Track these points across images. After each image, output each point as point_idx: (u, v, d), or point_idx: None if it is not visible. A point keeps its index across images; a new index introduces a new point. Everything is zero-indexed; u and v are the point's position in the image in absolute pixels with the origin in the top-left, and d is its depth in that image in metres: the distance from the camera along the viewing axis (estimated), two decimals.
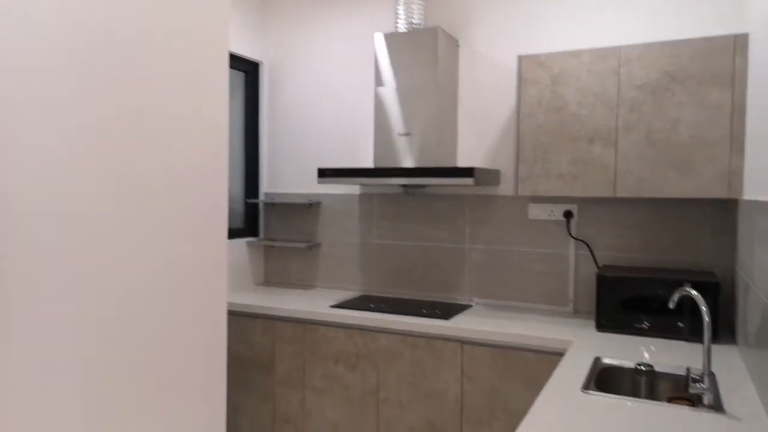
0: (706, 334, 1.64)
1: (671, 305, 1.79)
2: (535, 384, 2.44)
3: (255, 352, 3.05)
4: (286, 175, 3.61)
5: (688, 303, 2.34)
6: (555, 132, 2.58)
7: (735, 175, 2.29)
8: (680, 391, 1.94)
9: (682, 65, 2.37)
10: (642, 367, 1.91)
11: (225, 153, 2.00)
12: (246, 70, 3.55)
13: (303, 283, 3.57)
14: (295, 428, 2.95)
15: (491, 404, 2.52)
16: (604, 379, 2.01)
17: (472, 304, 3.08)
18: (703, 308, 1.66)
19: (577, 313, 2.88)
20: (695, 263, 2.66)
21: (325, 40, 3.48)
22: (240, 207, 3.60)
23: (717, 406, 1.60)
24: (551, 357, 2.41)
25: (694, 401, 1.87)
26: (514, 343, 2.47)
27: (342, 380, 2.83)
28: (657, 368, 1.97)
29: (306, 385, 2.92)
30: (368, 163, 3.35)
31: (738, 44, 2.28)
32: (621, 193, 2.47)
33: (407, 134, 2.93)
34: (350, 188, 3.42)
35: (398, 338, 2.71)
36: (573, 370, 1.96)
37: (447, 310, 2.86)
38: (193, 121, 1.79)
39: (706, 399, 1.61)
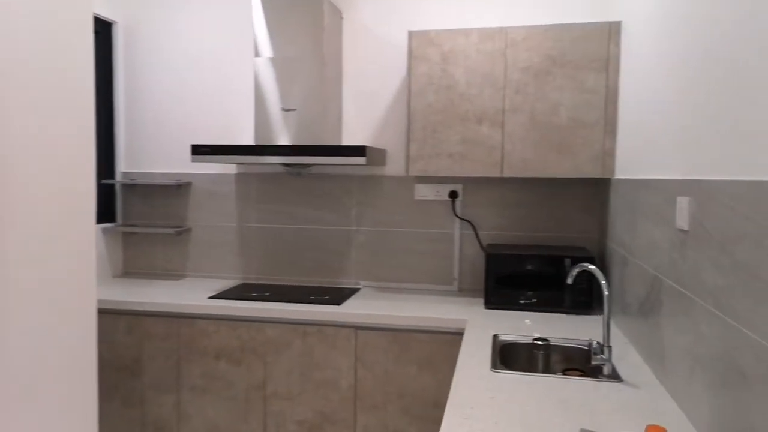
0: (606, 307, 1.72)
1: (569, 281, 1.85)
2: (429, 365, 2.44)
3: (117, 353, 2.69)
4: (149, 154, 3.22)
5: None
6: (445, 111, 2.57)
7: (608, 155, 2.45)
8: (572, 362, 2.04)
9: (563, 49, 2.47)
10: (539, 342, 1.97)
11: (91, 124, 1.69)
12: (96, 30, 3.08)
13: (171, 273, 3.23)
14: None
15: (386, 389, 2.48)
16: (506, 355, 2.05)
17: (360, 287, 3.01)
18: (603, 282, 1.73)
19: (461, 291, 2.93)
20: (568, 240, 2.83)
21: (195, 0, 3.14)
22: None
23: (615, 376, 1.69)
24: (445, 337, 2.41)
25: (586, 371, 1.97)
26: (409, 326, 2.44)
27: (224, 377, 2.61)
28: (552, 342, 2.04)
29: (182, 386, 2.64)
30: (248, 141, 3.10)
31: (612, 31, 2.43)
32: (507, 173, 2.53)
33: (290, 110, 2.74)
34: (225, 168, 3.14)
35: (288, 328, 2.54)
36: (476, 349, 1.96)
37: (336, 295, 2.76)
38: (55, 83, 1.48)
39: (606, 369, 1.69)
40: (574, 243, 2.82)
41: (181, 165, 3.19)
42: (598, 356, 1.70)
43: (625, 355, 1.91)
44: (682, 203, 1.45)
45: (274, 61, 2.74)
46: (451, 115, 2.56)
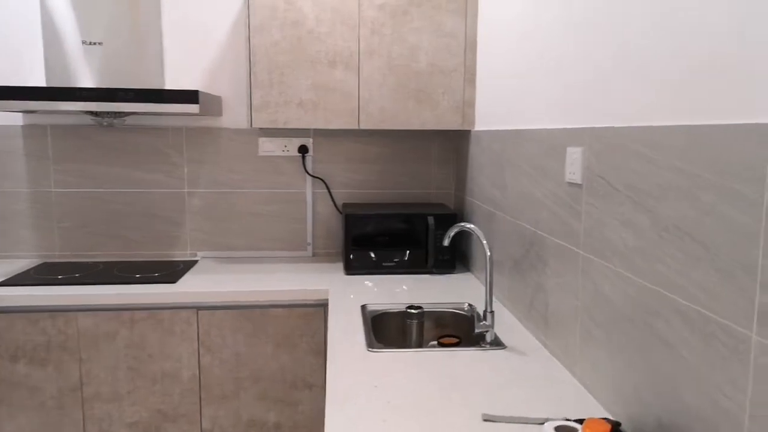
0: (488, 269, 1.57)
1: (446, 242, 1.68)
2: (287, 342, 2.15)
3: None
4: None
5: (430, 232, 2.33)
6: (293, 51, 2.21)
7: (468, 105, 2.32)
8: (444, 328, 1.90)
9: None
10: (413, 310, 1.79)
11: None
12: None
13: None
14: None
15: (237, 375, 2.15)
16: (377, 327, 1.84)
17: (197, 258, 2.59)
18: (484, 242, 1.58)
19: (316, 256, 2.66)
20: (426, 196, 2.69)
21: None
22: None
23: (498, 343, 1.57)
24: (305, 310, 2.14)
25: (461, 337, 1.84)
26: (262, 302, 2.12)
27: (26, 382, 2.07)
28: (426, 308, 1.88)
29: None
30: (39, 82, 2.43)
31: None
32: (365, 125, 2.28)
33: (94, 43, 2.17)
34: (7, 118, 2.46)
35: (108, 316, 2.07)
36: (345, 323, 1.72)
37: (170, 271, 2.32)
38: None
39: (489, 336, 1.56)
40: (432, 199, 2.70)
41: None
42: (481, 323, 1.56)
43: (499, 318, 1.81)
44: (574, 155, 1.32)
45: None
46: (300, 56, 2.22)
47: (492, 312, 1.56)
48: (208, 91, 2.52)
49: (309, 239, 2.65)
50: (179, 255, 2.60)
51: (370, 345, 1.55)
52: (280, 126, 2.24)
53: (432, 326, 1.91)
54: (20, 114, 2.45)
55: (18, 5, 2.38)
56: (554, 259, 1.47)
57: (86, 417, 2.11)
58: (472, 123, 2.32)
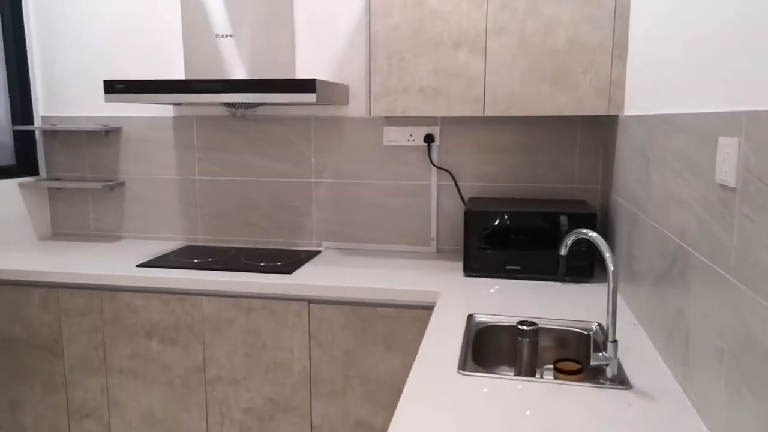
0: (611, 291, 1.28)
1: (563, 251, 1.41)
2: (397, 345, 2.03)
3: (33, 331, 2.29)
4: (72, 93, 2.72)
5: (564, 232, 2.03)
6: (414, 35, 2.05)
7: (617, 87, 1.96)
8: (566, 349, 1.62)
9: None
10: (524, 326, 1.54)
11: None
12: None
13: (106, 234, 2.80)
14: (99, 422, 2.30)
15: (346, 372, 2.08)
16: (483, 342, 1.63)
17: (322, 249, 2.57)
18: (607, 255, 1.29)
19: (440, 252, 2.49)
20: (567, 191, 2.37)
21: None
22: (6, 137, 2.67)
23: (623, 381, 1.27)
24: (415, 312, 2.00)
25: (583, 363, 1.55)
26: (371, 299, 2.02)
27: (158, 359, 2.21)
28: (542, 324, 1.62)
29: (110, 369, 2.25)
30: (180, 75, 2.59)
31: None
32: (491, 112, 2.04)
33: (229, 35, 2.22)
34: (160, 110, 2.65)
35: (228, 302, 2.13)
36: (444, 335, 1.54)
37: (291, 261, 2.32)
38: None
39: (610, 371, 1.27)
40: (575, 195, 2.36)
41: (110, 107, 2.69)
42: (600, 354, 1.27)
43: (634, 343, 1.48)
44: (728, 148, 0.98)
45: None
46: (421, 40, 2.05)
47: (615, 342, 1.27)
48: (336, 80, 2.47)
49: (433, 234, 2.49)
50: (305, 244, 2.61)
51: (463, 366, 1.35)
52: (399, 114, 2.10)
53: (551, 346, 1.64)
54: (171, 106, 2.63)
55: (163, 2, 2.54)
56: (699, 281, 1.13)
57: (208, 398, 2.20)
58: (621, 107, 1.96)
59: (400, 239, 2.52)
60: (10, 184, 2.61)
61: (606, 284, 2.00)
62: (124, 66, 2.63)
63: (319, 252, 2.51)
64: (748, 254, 0.91)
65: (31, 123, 2.72)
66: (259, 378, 2.15)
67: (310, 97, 2.02)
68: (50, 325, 2.27)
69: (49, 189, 2.80)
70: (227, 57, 2.22)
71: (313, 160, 2.55)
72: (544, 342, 1.65)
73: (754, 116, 0.90)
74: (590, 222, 2.01)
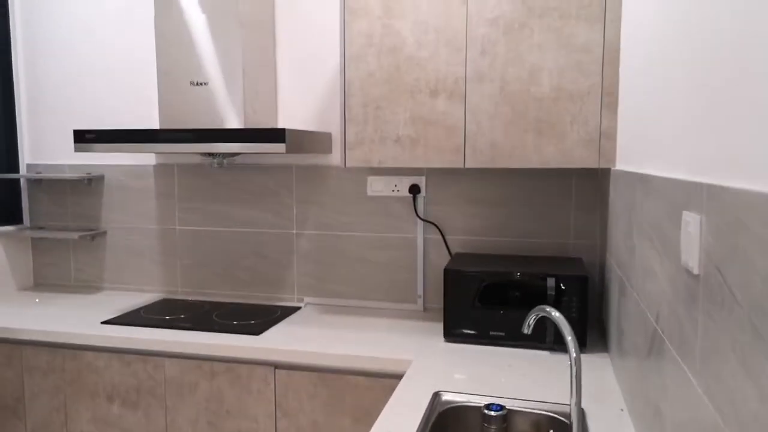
0: (574, 385, 1.09)
1: (526, 330, 1.23)
2: (366, 417, 1.85)
3: None
4: (57, 141, 2.69)
5: (551, 296, 1.84)
6: (390, 81, 1.94)
7: (607, 137, 1.79)
8: None
9: None
10: (491, 411, 1.35)
11: None
12: None
13: (86, 284, 2.72)
14: None
15: None
16: (447, 424, 1.44)
17: (302, 305, 2.43)
18: (569, 338, 1.11)
19: (427, 311, 2.32)
20: (563, 247, 2.18)
21: None
22: None
23: None
24: (387, 381, 1.82)
25: None
26: (339, 367, 1.86)
27: (119, 424, 2.08)
28: (510, 406, 1.43)
29: None
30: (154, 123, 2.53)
31: None
32: (472, 163, 1.89)
33: (202, 84, 2.15)
34: (142, 158, 2.59)
35: (192, 364, 1.99)
36: (399, 418, 1.36)
37: (265, 320, 2.18)
38: None
39: None
40: (571, 252, 2.18)
41: (94, 155, 2.65)
42: None
43: (614, 428, 1.28)
44: (690, 226, 0.81)
45: (181, 20, 2.15)
46: (397, 86, 1.93)
47: None
48: (320, 128, 2.37)
49: (419, 291, 2.32)
50: (287, 299, 2.47)
51: None
52: (375, 165, 1.97)
53: (526, 430, 1.44)
54: (153, 154, 2.57)
55: (140, 51, 2.51)
56: (671, 376, 0.94)
57: None
58: (612, 160, 1.79)
59: (385, 296, 2.36)
60: None
61: (600, 356, 1.80)
62: (107, 114, 2.59)
63: (298, 308, 2.36)
64: (712, 362, 0.73)
65: (17, 171, 2.69)
66: None
67: (279, 147, 1.91)
68: (13, 383, 2.17)
69: (32, 238, 2.75)
70: (202, 105, 2.14)
71: (294, 210, 2.43)
72: (518, 426, 1.45)
73: (714, 192, 0.73)
74: (581, 285, 1.82)
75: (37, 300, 2.49)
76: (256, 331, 2.04)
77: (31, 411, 2.16)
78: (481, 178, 2.23)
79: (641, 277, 1.23)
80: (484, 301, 1.90)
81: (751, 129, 0.62)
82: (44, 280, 2.76)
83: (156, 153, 2.43)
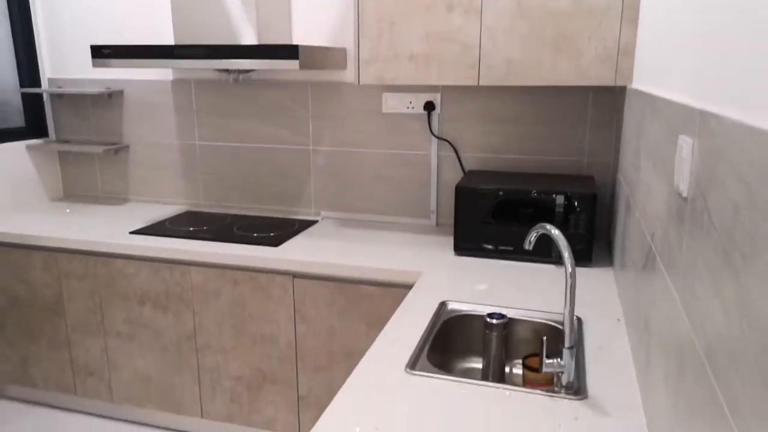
0: (569, 295, 1.16)
1: (528, 246, 1.30)
2: (380, 324, 1.98)
3: (37, 292, 2.36)
4: (76, 54, 2.71)
5: (560, 213, 1.90)
6: None
7: (625, 54, 1.76)
8: (539, 343, 1.52)
9: None
10: (493, 319, 1.45)
11: None
12: None
13: (113, 196, 2.83)
14: (101, 380, 2.38)
15: (330, 348, 2.06)
16: (452, 331, 1.55)
17: (319, 219, 2.52)
18: (565, 254, 1.17)
19: (440, 226, 2.40)
20: (576, 165, 2.20)
21: None
22: (15, 99, 2.70)
23: (579, 388, 1.17)
24: (398, 290, 1.93)
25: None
26: (352, 277, 1.96)
27: (151, 324, 2.25)
28: (511, 315, 1.52)
29: (108, 331, 2.31)
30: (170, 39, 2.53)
31: None
32: (486, 81, 1.89)
33: None
34: (160, 72, 2.61)
35: (215, 272, 2.12)
36: (407, 324, 1.47)
37: (283, 232, 2.28)
38: None
39: (564, 378, 1.17)
40: (583, 170, 2.20)
41: (112, 70, 2.67)
42: (554, 361, 1.17)
43: (610, 342, 1.37)
44: (684, 150, 0.84)
45: None
46: (412, 2, 1.90)
47: (571, 348, 1.17)
48: (335, 43, 2.35)
49: (433, 207, 2.38)
50: (304, 213, 2.56)
51: (414, 364, 1.28)
52: (389, 83, 1.98)
53: (527, 338, 1.55)
54: (170, 69, 2.58)
55: None
56: (659, 291, 1.01)
57: (200, 365, 2.23)
58: (629, 78, 1.77)
59: (400, 211, 2.43)
60: (17, 146, 2.66)
61: (606, 269, 1.87)
62: (126, 28, 2.58)
63: (315, 222, 2.45)
64: (689, 277, 0.79)
65: (39, 85, 2.74)
66: (247, 348, 2.15)
67: (293, 64, 1.92)
68: (52, 287, 2.34)
69: (59, 152, 2.84)
70: (217, 20, 2.13)
71: (310, 126, 2.46)
72: (520, 333, 1.55)
73: (705, 118, 0.75)
74: (590, 202, 1.87)
75: (68, 210, 2.61)
76: (276, 242, 2.15)
77: (70, 311, 2.34)
78: (497, 96, 2.22)
79: (643, 197, 1.27)
80: (496, 217, 1.96)
81: (747, 60, 0.63)
82: (73, 192, 2.89)
83: (172, 68, 2.45)
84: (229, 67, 1.96)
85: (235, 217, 2.53)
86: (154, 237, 2.22)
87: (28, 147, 2.70)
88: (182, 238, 2.20)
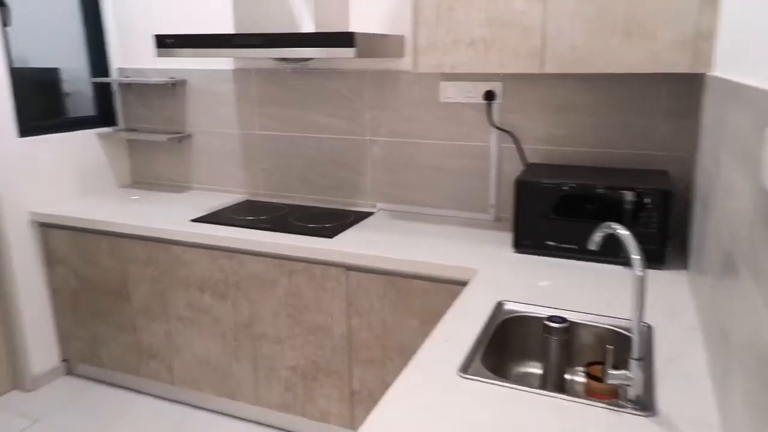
0: (637, 300, 1.07)
1: (593, 247, 1.21)
2: (433, 320, 1.93)
3: (105, 276, 2.46)
4: (142, 43, 2.79)
5: (629, 210, 1.77)
6: None
7: (704, 38, 1.62)
8: (603, 351, 1.43)
9: None
10: (553, 323, 1.37)
11: None
12: None
13: (177, 184, 2.91)
14: (163, 364, 2.46)
15: (384, 343, 2.03)
16: (506, 336, 1.48)
17: (375, 210, 2.48)
18: (634, 256, 1.08)
19: (498, 221, 2.31)
20: (648, 159, 2.06)
21: None
22: (87, 88, 2.81)
23: (646, 403, 1.08)
24: (451, 287, 1.87)
25: (620, 368, 1.36)
26: (405, 271, 1.92)
27: (210, 311, 2.29)
28: (572, 319, 1.43)
29: (170, 316, 2.38)
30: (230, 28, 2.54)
31: None
32: (550, 68, 1.78)
33: None
34: (221, 62, 2.64)
35: (272, 262, 2.13)
36: (462, 324, 1.41)
37: (339, 224, 2.27)
38: None
39: (632, 392, 1.08)
40: (657, 164, 2.05)
41: (175, 60, 2.73)
42: (620, 372, 1.09)
43: (683, 353, 1.26)
44: None
45: None
46: None
47: (640, 360, 1.08)
48: (392, 31, 2.29)
49: (492, 201, 2.30)
50: (360, 204, 2.53)
51: (467, 367, 1.23)
52: (447, 71, 1.90)
53: (590, 344, 1.46)
54: (231, 59, 2.61)
55: None
56: (742, 299, 0.90)
57: (256, 353, 2.25)
58: (708, 63, 1.62)
59: (457, 204, 2.36)
60: (88, 134, 2.76)
61: (680, 273, 1.74)
62: (191, 19, 2.62)
63: (371, 214, 2.42)
64: None
65: (108, 75, 2.83)
66: (302, 339, 2.16)
67: (349, 52, 1.88)
68: (118, 272, 2.43)
69: (127, 140, 2.94)
70: (276, 9, 2.12)
71: (367, 116, 2.42)
72: (583, 339, 1.46)
73: None
74: (663, 200, 1.73)
75: (134, 197, 2.70)
76: (330, 234, 2.13)
77: (136, 296, 2.42)
78: (562, 84, 2.11)
79: (724, 195, 1.16)
80: (559, 213, 1.86)
81: None
82: (140, 179, 2.98)
83: (232, 58, 2.47)
84: (285, 56, 1.95)
85: (292, 207, 2.54)
86: (214, 225, 2.26)
87: (99, 135, 2.80)
88: (240, 227, 2.22)
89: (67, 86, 2.74)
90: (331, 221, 2.29)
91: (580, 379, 1.45)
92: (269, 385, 2.26)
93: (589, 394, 1.31)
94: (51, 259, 2.56)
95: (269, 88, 2.56)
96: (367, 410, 2.12)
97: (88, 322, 2.57)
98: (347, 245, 2.02)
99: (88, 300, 2.53)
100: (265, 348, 2.23)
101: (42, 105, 2.64)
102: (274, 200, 2.67)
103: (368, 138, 2.45)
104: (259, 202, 2.63)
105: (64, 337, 2.66)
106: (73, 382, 2.68)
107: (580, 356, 1.47)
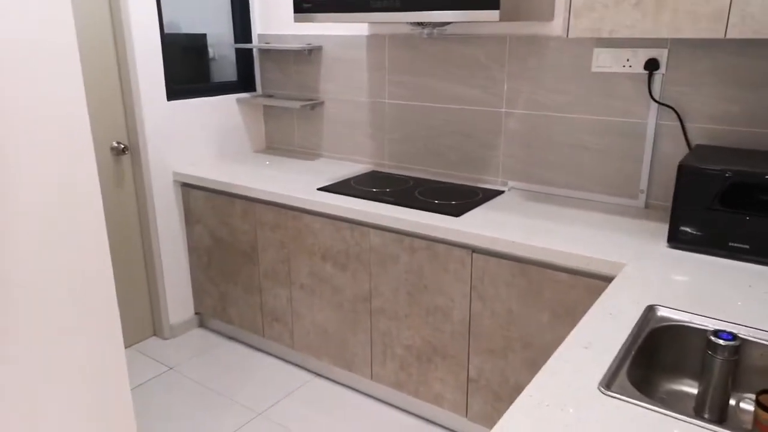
0: None
1: None
2: (566, 315, 1.75)
3: (236, 237, 2.54)
4: (283, 10, 2.80)
5: None
6: None
7: None
8: None
9: None
10: (719, 339, 1.14)
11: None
12: None
13: (307, 151, 2.92)
14: (285, 328, 2.51)
15: (507, 333, 1.88)
16: (661, 342, 1.27)
17: (506, 189, 2.31)
18: None
19: (649, 209, 2.04)
20: None
21: None
22: (230, 54, 2.89)
23: None
24: (592, 281, 1.67)
25: None
26: (539, 259, 1.74)
27: (331, 281, 2.28)
28: (744, 335, 1.19)
29: (293, 282, 2.41)
30: None
31: None
32: (736, 33, 1.48)
33: None
34: (357, 28, 2.57)
35: (393, 237, 2.05)
36: (605, 328, 1.23)
37: (466, 201, 2.13)
38: None
39: None
40: None
41: (312, 26, 2.70)
42: None
43: None
44: None
45: None
46: None
47: None
48: None
49: (642, 186, 2.03)
50: (490, 181, 2.37)
51: (609, 382, 1.05)
52: (605, 36, 1.66)
53: (764, 367, 1.21)
54: (366, 24, 2.53)
55: None
56: None
57: (373, 327, 2.22)
58: None
59: (600, 188, 2.12)
60: (229, 99, 2.85)
61: None
62: None
63: (501, 192, 2.25)
64: None
65: (250, 41, 2.89)
66: (420, 318, 2.07)
67: (492, 15, 1.71)
68: (248, 234, 2.49)
69: (264, 105, 3.00)
70: None
71: (505, 86, 2.23)
72: (754, 360, 1.22)
73: None
74: None
75: (267, 162, 2.76)
76: (456, 212, 2.00)
77: (263, 259, 2.48)
78: (745, 52, 1.77)
79: None
80: (728, 204, 1.58)
81: None
82: (274, 144, 3.05)
83: (367, 23, 2.38)
84: (423, 20, 1.82)
85: (417, 180, 2.44)
86: (338, 195, 2.22)
87: (238, 100, 2.88)
88: (364, 199, 2.17)
89: (212, 51, 2.84)
90: (458, 198, 2.16)
91: (748, 406, 1.22)
92: (384, 362, 2.22)
93: (758, 426, 1.09)
94: (190, 218, 2.71)
95: (402, 54, 2.46)
96: (484, 401, 2.00)
97: (219, 280, 2.69)
98: (474, 226, 1.88)
99: (220, 259, 2.65)
100: (382, 323, 2.18)
101: (189, 69, 2.75)
102: (400, 172, 2.59)
103: (504, 110, 2.26)
104: (384, 173, 2.57)
105: (198, 292, 2.82)
106: (205, 334, 2.85)
107: (748, 380, 1.22)
